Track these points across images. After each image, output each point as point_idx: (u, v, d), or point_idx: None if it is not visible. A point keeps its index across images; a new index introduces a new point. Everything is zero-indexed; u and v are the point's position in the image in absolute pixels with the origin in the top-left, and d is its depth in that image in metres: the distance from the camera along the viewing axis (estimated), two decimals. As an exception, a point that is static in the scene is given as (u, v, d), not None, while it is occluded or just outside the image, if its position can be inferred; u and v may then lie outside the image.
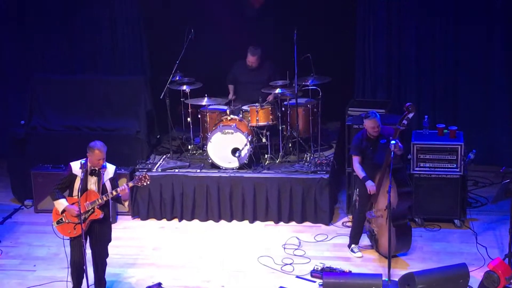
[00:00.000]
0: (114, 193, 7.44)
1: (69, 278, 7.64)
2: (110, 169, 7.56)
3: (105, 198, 7.43)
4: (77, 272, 7.58)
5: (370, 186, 8.20)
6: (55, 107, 10.31)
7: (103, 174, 7.48)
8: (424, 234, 8.99)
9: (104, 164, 7.50)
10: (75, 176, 7.45)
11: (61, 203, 7.47)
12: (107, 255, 7.78)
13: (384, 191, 7.97)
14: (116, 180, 7.64)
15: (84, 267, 7.43)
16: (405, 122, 7.96)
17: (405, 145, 8.52)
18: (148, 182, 7.56)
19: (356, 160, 8.37)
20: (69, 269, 7.58)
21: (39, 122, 10.27)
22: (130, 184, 7.55)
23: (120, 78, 10.61)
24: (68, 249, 7.58)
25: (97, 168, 7.46)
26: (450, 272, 7.66)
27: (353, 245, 8.61)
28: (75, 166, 7.45)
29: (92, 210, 7.46)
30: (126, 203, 7.79)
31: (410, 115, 7.96)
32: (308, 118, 9.94)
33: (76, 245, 7.49)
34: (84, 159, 7.45)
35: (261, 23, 10.83)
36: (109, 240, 7.74)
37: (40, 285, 8.14)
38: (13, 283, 8.21)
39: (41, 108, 10.33)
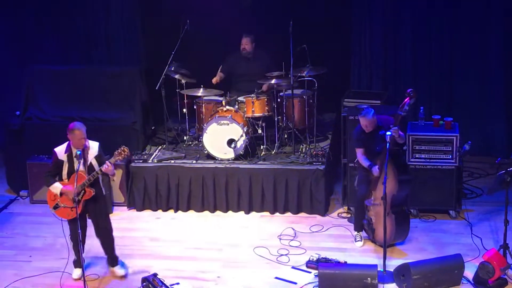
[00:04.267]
0: (99, 172, 7.60)
1: (72, 253, 7.90)
2: (94, 147, 7.72)
3: (92, 178, 7.59)
4: (79, 248, 7.76)
5: (376, 171, 8.21)
6: (50, 97, 10.30)
7: (87, 154, 7.65)
8: (420, 225, 9.00)
9: (87, 143, 7.65)
10: (62, 161, 7.64)
11: (56, 187, 7.66)
12: (111, 229, 7.97)
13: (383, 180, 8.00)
14: (103, 155, 7.78)
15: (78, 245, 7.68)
16: (406, 108, 7.97)
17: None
18: (128, 154, 7.68)
19: (360, 152, 8.40)
20: (71, 244, 7.77)
21: (34, 113, 10.27)
22: (112, 160, 7.65)
23: (115, 68, 10.58)
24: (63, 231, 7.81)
25: (80, 149, 7.58)
26: (445, 263, 7.69)
27: (355, 233, 8.66)
28: (59, 151, 7.65)
29: (83, 191, 7.62)
30: (114, 177, 8.07)
31: (412, 101, 7.97)
32: (303, 109, 9.93)
33: (76, 225, 7.65)
34: (66, 143, 7.65)
35: (257, 13, 10.81)
36: (108, 212, 8.03)
37: (36, 275, 8.14)
38: (9, 273, 8.21)
39: (36, 99, 10.31)
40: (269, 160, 9.65)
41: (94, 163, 7.68)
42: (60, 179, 7.69)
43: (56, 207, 7.77)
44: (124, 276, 8.04)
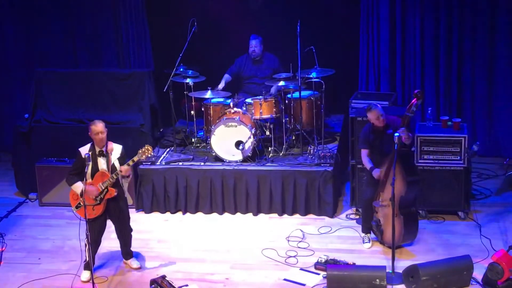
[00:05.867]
0: (119, 173, 7.77)
1: (86, 254, 7.92)
2: (117, 149, 7.92)
3: (115, 177, 7.77)
4: (94, 250, 7.96)
5: (376, 173, 8.23)
6: (59, 100, 10.33)
7: (111, 154, 7.85)
8: (428, 226, 8.98)
9: (110, 145, 7.86)
10: (85, 160, 7.74)
11: (78, 186, 7.78)
12: (131, 229, 8.18)
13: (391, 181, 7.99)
14: (125, 158, 7.94)
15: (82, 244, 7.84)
16: (413, 109, 7.96)
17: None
18: (152, 153, 7.86)
19: (364, 153, 8.40)
20: (86, 247, 7.80)
21: (43, 116, 10.29)
22: (135, 158, 7.81)
23: (123, 71, 10.62)
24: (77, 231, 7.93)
25: (103, 150, 7.80)
26: (454, 264, 7.68)
27: (363, 235, 8.65)
28: (83, 151, 7.81)
29: (106, 189, 7.81)
30: (129, 179, 8.23)
31: (419, 102, 7.96)
32: (311, 110, 9.93)
33: (96, 226, 7.84)
34: (90, 143, 7.85)
35: (265, 15, 10.83)
36: (129, 215, 8.13)
37: (45, 278, 8.16)
38: (18, 276, 8.23)
39: (45, 101, 10.34)
40: (277, 161, 9.64)
41: (117, 164, 7.86)
42: (83, 179, 7.76)
43: (78, 206, 7.93)
44: (139, 268, 8.23)
